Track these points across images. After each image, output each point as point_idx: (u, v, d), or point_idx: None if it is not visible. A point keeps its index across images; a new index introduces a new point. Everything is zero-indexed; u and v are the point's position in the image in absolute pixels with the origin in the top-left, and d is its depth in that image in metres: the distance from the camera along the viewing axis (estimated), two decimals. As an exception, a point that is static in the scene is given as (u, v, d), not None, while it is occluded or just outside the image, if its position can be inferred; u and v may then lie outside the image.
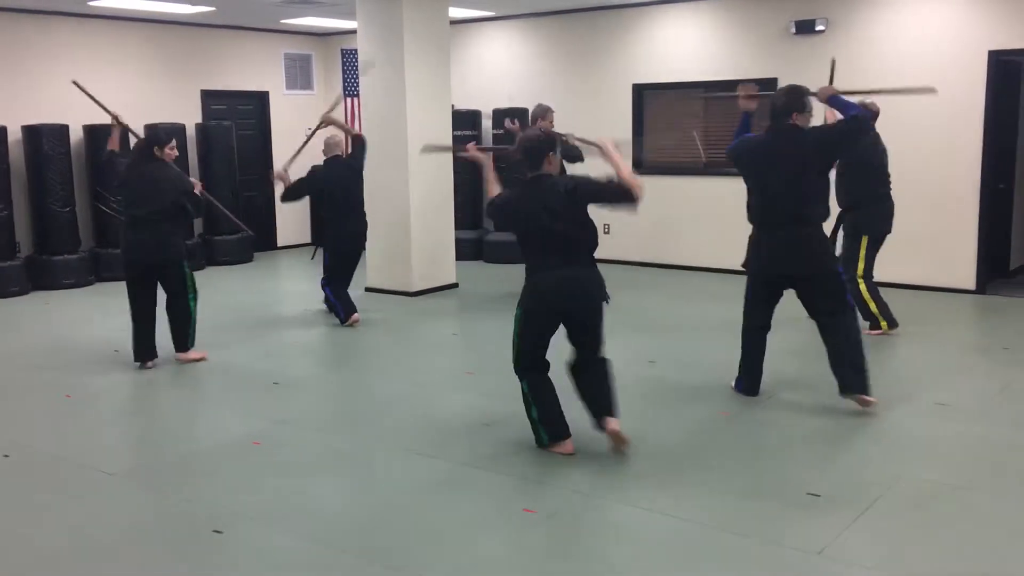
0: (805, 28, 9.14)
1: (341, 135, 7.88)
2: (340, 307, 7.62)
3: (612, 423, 4.50)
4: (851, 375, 5.10)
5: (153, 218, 6.19)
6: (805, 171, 5.02)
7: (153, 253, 6.26)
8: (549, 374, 4.62)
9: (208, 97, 11.68)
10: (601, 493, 4.14)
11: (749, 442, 4.78)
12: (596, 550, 3.65)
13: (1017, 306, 7.91)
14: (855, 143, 5.35)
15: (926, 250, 8.54)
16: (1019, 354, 6.34)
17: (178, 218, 6.36)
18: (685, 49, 10.01)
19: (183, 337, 6.53)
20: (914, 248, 8.45)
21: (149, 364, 6.41)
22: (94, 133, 9.88)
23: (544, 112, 8.28)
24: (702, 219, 9.93)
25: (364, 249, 7.98)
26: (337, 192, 7.56)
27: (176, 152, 6.43)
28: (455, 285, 9.34)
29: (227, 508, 4.09)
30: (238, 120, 11.83)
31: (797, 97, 5.09)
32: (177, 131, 10.74)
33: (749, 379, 5.47)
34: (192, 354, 6.56)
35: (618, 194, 4.35)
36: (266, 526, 3.90)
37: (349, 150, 7.92)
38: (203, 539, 3.80)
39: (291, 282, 10.35)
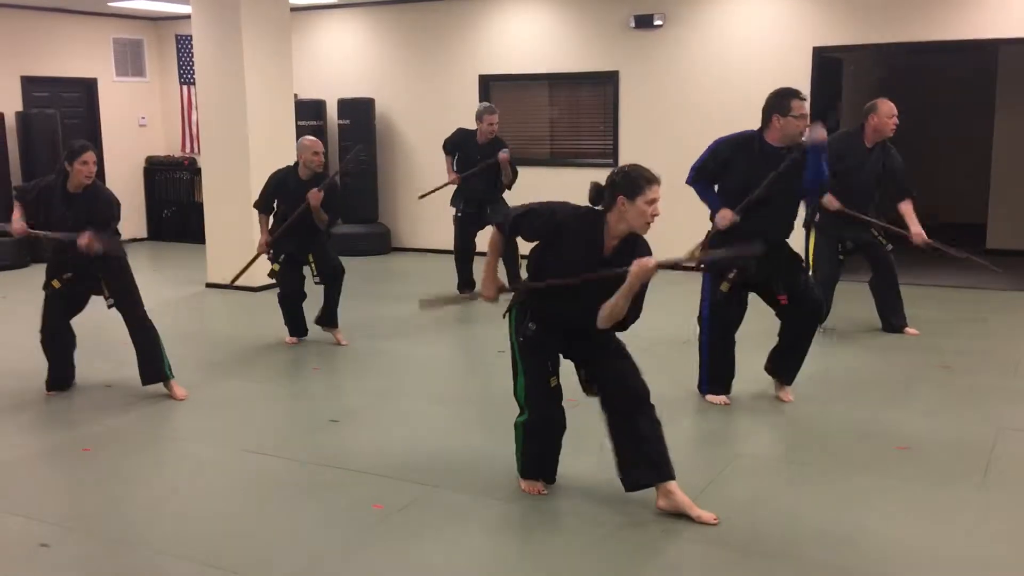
0: (644, 22, 9.41)
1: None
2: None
3: None
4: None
5: None
6: None
7: None
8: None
9: (29, 84, 10.96)
10: (450, 484, 4.13)
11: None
12: (443, 540, 3.64)
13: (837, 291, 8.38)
14: None
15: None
16: (843, 336, 6.73)
17: None
18: (529, 41, 10.11)
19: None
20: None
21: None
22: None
23: (480, 114, 7.85)
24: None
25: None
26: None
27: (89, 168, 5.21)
28: (301, 279, 9.11)
29: (50, 518, 3.86)
30: (63, 108, 11.14)
31: None
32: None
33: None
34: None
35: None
36: (93, 536, 3.70)
37: None
38: (30, 551, 3.58)
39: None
